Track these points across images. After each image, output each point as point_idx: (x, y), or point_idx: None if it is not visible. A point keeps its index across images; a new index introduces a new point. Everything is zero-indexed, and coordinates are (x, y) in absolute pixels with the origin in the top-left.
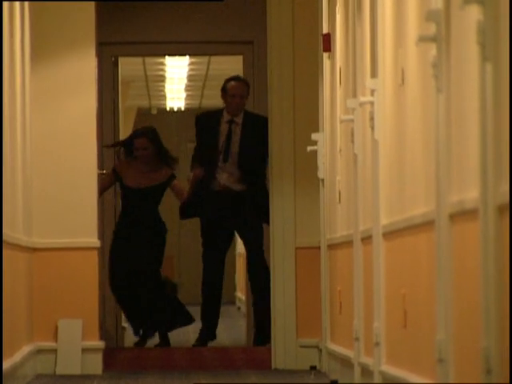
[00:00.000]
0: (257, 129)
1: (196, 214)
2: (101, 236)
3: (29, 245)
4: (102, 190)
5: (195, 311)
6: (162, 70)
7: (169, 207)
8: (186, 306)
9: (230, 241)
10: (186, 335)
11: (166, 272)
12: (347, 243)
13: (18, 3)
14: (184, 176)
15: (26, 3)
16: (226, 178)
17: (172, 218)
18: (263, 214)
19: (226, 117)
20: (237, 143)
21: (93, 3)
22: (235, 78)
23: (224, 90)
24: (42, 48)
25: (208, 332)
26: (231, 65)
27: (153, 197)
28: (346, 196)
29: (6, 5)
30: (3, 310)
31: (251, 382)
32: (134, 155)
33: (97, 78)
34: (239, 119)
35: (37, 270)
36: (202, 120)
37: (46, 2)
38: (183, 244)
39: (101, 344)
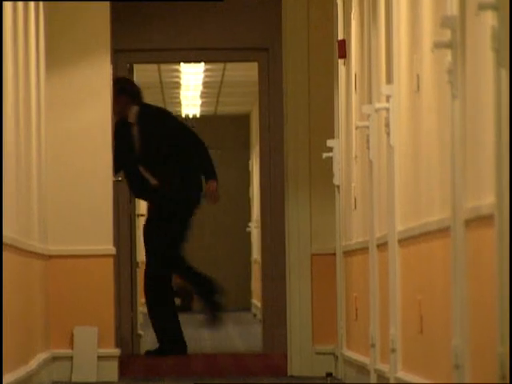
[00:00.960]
0: (151, 124)
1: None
2: (116, 243)
3: (44, 252)
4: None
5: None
6: (178, 76)
7: None
8: (201, 313)
9: None
10: (201, 342)
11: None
12: (363, 250)
13: (32, 10)
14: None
15: (41, 10)
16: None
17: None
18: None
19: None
20: (138, 143)
21: (108, 10)
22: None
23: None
24: (57, 55)
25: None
26: (246, 71)
27: None
28: (362, 202)
29: (20, 12)
30: (19, 317)
31: None
32: None
33: (112, 84)
34: (132, 119)
35: (52, 278)
36: (117, 126)
37: (61, 6)
38: (198, 249)
39: (116, 351)
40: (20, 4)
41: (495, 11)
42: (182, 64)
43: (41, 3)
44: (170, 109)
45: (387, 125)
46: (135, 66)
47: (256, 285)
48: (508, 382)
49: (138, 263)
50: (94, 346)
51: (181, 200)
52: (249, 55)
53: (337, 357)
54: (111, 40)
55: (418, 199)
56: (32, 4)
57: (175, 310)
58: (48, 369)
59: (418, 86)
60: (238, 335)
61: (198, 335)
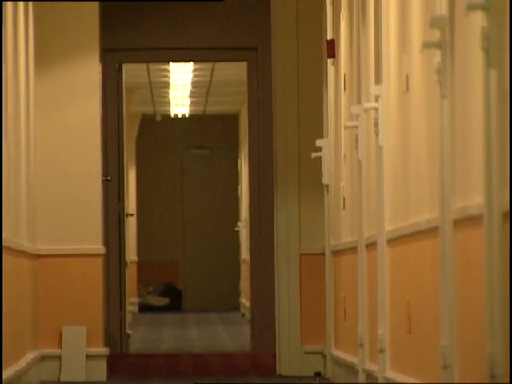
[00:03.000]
0: None
1: None
2: (105, 242)
3: (33, 251)
4: None
5: (200, 318)
6: (167, 76)
7: (175, 212)
8: (190, 312)
9: None
10: (190, 341)
11: (169, 278)
12: (352, 249)
13: (22, 10)
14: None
15: (31, 10)
16: None
17: (176, 223)
18: None
19: None
20: None
21: (97, 10)
22: None
23: None
24: (46, 55)
25: None
26: (235, 71)
27: None
28: (351, 202)
29: (9, 11)
30: (8, 317)
31: None
32: None
33: (101, 84)
34: None
35: (41, 277)
36: None
37: (50, 6)
38: (187, 248)
39: (105, 350)
40: (9, 3)
41: (485, 11)
42: (171, 63)
43: (30, 2)
44: (158, 108)
45: (376, 125)
46: (124, 66)
47: (245, 284)
48: (508, 381)
49: (126, 262)
50: (82, 345)
51: None
52: (238, 55)
53: (325, 356)
54: (100, 40)
55: (407, 199)
56: (21, 3)
57: None
58: (37, 368)
59: (407, 86)
60: (227, 335)
61: (187, 335)
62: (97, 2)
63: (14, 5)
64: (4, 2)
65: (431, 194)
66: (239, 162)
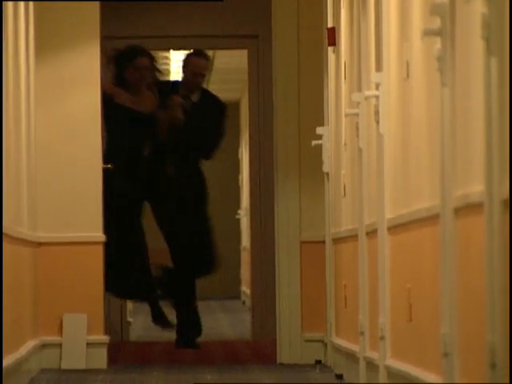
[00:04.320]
0: (210, 111)
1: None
2: (106, 230)
3: (33, 239)
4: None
5: (200, 306)
6: (167, 63)
7: None
8: None
9: None
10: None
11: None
12: (352, 237)
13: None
14: None
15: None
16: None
17: None
18: None
19: (181, 91)
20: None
21: None
22: (198, 54)
23: (185, 65)
24: (46, 43)
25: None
26: (236, 59)
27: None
28: (351, 190)
29: (10, 1)
30: (8, 305)
31: (256, 376)
32: (131, 77)
33: (101, 72)
34: (196, 97)
35: (41, 265)
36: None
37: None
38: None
39: (106, 338)
40: None
41: None
42: (171, 51)
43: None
44: None
45: (377, 112)
46: None
47: (245, 272)
48: (506, 371)
49: None
50: (83, 333)
51: None
52: (238, 42)
53: (326, 344)
54: (101, 28)
55: (408, 187)
56: None
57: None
58: (37, 356)
59: (408, 74)
60: (228, 323)
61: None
62: None
63: None
64: None
65: (432, 182)
66: (240, 150)
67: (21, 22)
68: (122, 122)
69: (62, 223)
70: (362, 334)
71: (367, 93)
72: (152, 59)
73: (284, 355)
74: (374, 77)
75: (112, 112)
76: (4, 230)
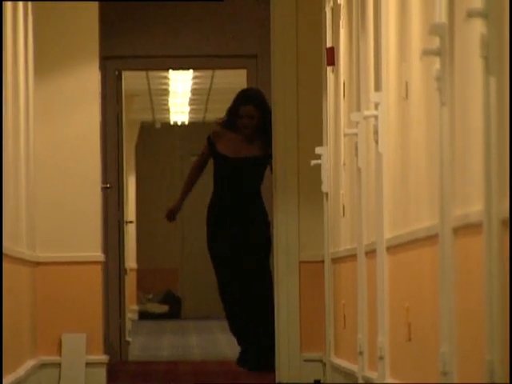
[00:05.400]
0: None
1: None
2: (104, 250)
3: (32, 259)
4: (198, 168)
5: (199, 326)
6: (166, 83)
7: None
8: (190, 320)
9: None
10: (190, 349)
11: (169, 285)
12: (351, 257)
13: (21, 17)
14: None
15: (30, 16)
16: None
17: (175, 230)
18: None
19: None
20: None
21: (96, 17)
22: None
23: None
24: (46, 62)
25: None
26: (235, 78)
27: (253, 170)
28: (350, 210)
29: (9, 17)
30: (7, 324)
31: None
32: (237, 124)
33: (100, 91)
34: None
35: (40, 284)
36: None
37: (49, 13)
38: (186, 256)
39: (105, 358)
40: (8, 10)
41: (484, 18)
42: (170, 71)
43: (29, 9)
44: (158, 116)
45: (376, 132)
46: (123, 73)
47: None
48: None
49: (126, 270)
50: (82, 352)
51: None
52: (237, 62)
53: (325, 364)
54: (100, 47)
55: (407, 206)
56: (20, 10)
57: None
58: (36, 376)
59: (407, 94)
60: (226, 342)
61: (186, 342)
62: (96, 10)
63: (13, 11)
64: (3, 10)
65: (431, 202)
66: None
67: (20, 39)
68: None
69: (61, 243)
70: (361, 353)
71: (366, 112)
72: (257, 104)
73: (283, 375)
74: (373, 96)
75: None
76: (3, 250)
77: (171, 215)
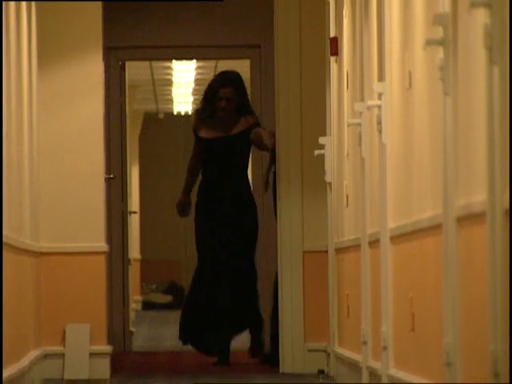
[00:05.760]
0: None
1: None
2: (108, 240)
3: (36, 249)
4: (194, 167)
5: None
6: (169, 74)
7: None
8: None
9: None
10: None
11: (172, 276)
12: (355, 247)
13: (24, 8)
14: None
15: (33, 8)
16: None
17: (179, 221)
18: None
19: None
20: None
21: (99, 8)
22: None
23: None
24: (49, 53)
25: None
26: (238, 68)
27: (236, 151)
28: (354, 200)
29: (12, 9)
30: (11, 315)
31: (258, 382)
32: (215, 106)
33: (104, 82)
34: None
35: (44, 275)
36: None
37: (53, 5)
38: (190, 246)
39: (108, 348)
40: (12, 2)
41: (488, 8)
42: (173, 61)
43: (33, 3)
44: (161, 106)
45: (379, 122)
46: (127, 64)
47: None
48: (508, 381)
49: (129, 260)
50: (85, 343)
51: None
52: (241, 52)
53: (329, 354)
54: (103, 38)
55: (410, 196)
56: (24, 2)
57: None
58: (40, 366)
59: (410, 84)
60: None
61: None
62: (99, 1)
63: (16, 3)
64: (7, 2)
65: (434, 192)
66: None
67: (23, 32)
68: None
69: (65, 233)
70: (365, 343)
71: (369, 102)
72: (237, 87)
73: (287, 365)
74: (377, 87)
75: None
76: (6, 240)
77: (181, 210)
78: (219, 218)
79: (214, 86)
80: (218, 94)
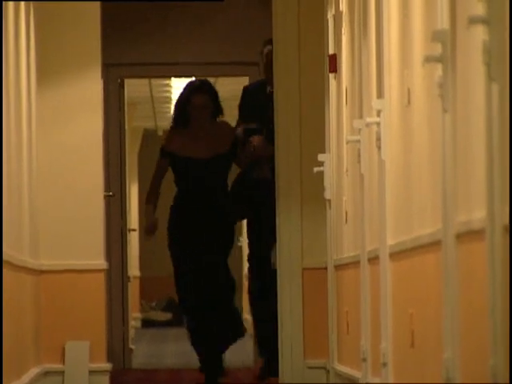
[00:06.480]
0: None
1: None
2: (107, 257)
3: (35, 267)
4: (156, 183)
5: None
6: (168, 91)
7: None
8: (184, 327)
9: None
10: (193, 356)
11: (172, 293)
12: (354, 264)
13: (23, 25)
14: None
15: (32, 25)
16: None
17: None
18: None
19: (268, 88)
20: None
21: (98, 25)
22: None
23: (264, 54)
24: (48, 70)
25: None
26: (237, 86)
27: (219, 170)
28: (353, 216)
29: (11, 26)
30: (10, 332)
31: None
32: (190, 116)
33: (103, 99)
34: None
35: (44, 293)
36: (248, 92)
37: (52, 21)
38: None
39: (108, 366)
40: (10, 18)
41: (486, 25)
42: (172, 79)
43: (31, 17)
44: (160, 123)
45: (378, 139)
46: (126, 81)
47: (247, 299)
48: None
49: (129, 278)
50: (85, 360)
51: None
52: (239, 70)
53: (328, 371)
54: (102, 55)
55: (409, 213)
56: (22, 18)
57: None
58: None
59: (409, 100)
60: (229, 349)
61: (189, 350)
62: (98, 18)
63: (15, 18)
64: (5, 17)
65: (433, 208)
66: None
67: (22, 47)
68: None
69: (64, 251)
70: (365, 360)
71: (368, 119)
72: (210, 93)
73: (286, 381)
74: (376, 103)
75: None
76: (6, 258)
77: (152, 230)
78: (195, 229)
79: (185, 95)
80: (192, 102)
